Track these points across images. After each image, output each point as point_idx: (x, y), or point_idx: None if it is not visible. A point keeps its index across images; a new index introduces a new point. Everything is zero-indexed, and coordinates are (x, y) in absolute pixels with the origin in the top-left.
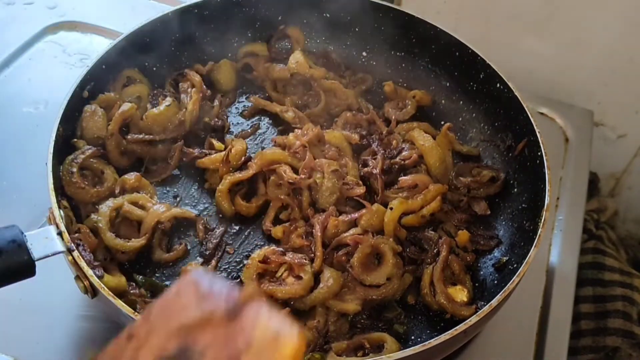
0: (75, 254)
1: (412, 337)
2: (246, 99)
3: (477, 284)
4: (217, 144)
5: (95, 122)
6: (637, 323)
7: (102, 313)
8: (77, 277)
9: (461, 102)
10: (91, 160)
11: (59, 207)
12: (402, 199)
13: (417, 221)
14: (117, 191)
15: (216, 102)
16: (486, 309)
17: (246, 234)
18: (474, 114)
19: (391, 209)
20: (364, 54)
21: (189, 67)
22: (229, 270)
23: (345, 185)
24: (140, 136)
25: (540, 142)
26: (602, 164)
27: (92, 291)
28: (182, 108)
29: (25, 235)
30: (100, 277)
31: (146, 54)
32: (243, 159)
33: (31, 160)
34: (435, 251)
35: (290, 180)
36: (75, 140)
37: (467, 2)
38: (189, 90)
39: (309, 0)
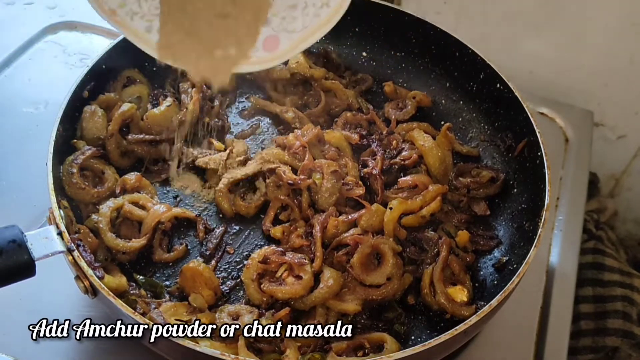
0: (76, 254)
1: (412, 337)
2: (246, 99)
3: (477, 284)
4: (217, 144)
5: (95, 122)
6: (637, 323)
7: (102, 313)
8: (77, 277)
9: (461, 102)
10: (91, 160)
11: (59, 207)
12: (401, 199)
13: (417, 221)
14: (117, 191)
15: (216, 102)
16: (486, 309)
17: (246, 234)
18: (474, 114)
19: (391, 209)
20: (364, 54)
21: None
22: (229, 270)
23: (345, 185)
24: (141, 136)
25: (540, 142)
26: (602, 164)
27: (92, 291)
28: (182, 108)
29: (25, 235)
30: (101, 279)
31: (146, 54)
32: (243, 158)
33: (31, 160)
34: (435, 251)
35: (289, 181)
36: (75, 140)
37: (467, 2)
38: (189, 90)
39: None
